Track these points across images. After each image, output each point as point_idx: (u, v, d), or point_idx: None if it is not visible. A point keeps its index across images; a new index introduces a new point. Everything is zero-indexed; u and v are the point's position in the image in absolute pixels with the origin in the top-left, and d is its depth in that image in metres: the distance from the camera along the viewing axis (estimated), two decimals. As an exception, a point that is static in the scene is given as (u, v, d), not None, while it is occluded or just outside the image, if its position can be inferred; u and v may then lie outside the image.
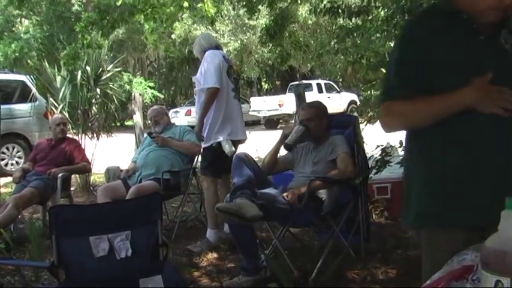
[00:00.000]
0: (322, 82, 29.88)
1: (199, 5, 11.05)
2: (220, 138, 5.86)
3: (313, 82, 29.70)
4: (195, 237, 6.28)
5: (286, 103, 27.05)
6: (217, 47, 6.24)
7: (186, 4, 9.93)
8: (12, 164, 13.13)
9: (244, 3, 10.06)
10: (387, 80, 2.43)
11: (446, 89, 2.16)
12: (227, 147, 5.80)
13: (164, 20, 9.84)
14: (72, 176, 7.72)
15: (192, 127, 7.15)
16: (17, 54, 24.87)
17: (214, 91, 5.81)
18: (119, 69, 11.22)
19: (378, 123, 6.21)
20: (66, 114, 9.29)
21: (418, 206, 2.44)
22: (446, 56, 2.22)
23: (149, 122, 7.16)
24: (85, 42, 8.95)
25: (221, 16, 13.54)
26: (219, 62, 5.90)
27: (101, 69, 9.98)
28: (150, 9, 9.11)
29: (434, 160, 2.34)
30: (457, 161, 2.25)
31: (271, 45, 10.48)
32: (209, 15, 10.48)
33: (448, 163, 2.28)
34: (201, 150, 6.20)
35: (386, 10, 6.79)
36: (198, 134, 6.09)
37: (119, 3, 9.00)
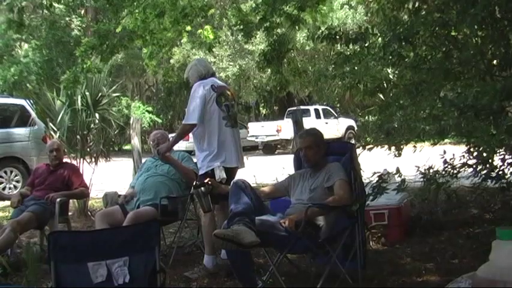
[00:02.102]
0: (319, 107, 29.97)
1: (199, 31, 11.12)
2: (214, 165, 5.90)
3: (311, 108, 29.81)
4: (192, 263, 6.28)
5: (284, 128, 27.14)
6: (213, 74, 6.31)
7: (188, 28, 10.00)
8: (10, 188, 13.14)
9: (241, 27, 10.11)
10: None
11: None
12: (217, 174, 5.83)
13: (163, 45, 9.89)
14: (70, 200, 7.72)
15: (190, 152, 7.18)
16: (16, 78, 24.93)
17: (190, 128, 6.00)
18: (117, 94, 11.25)
19: (374, 150, 6.27)
20: (65, 139, 9.33)
21: None
22: None
23: (150, 143, 7.16)
24: (85, 66, 9.00)
25: (219, 42, 13.59)
26: (206, 94, 5.97)
27: (100, 93, 10.02)
28: (149, 35, 9.17)
29: None
30: None
31: (270, 72, 10.51)
32: (208, 41, 10.55)
33: None
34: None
35: (383, 37, 6.84)
36: (165, 150, 6.34)
37: (118, 30, 9.06)
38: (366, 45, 6.90)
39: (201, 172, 6.02)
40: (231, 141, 6.10)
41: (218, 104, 6.03)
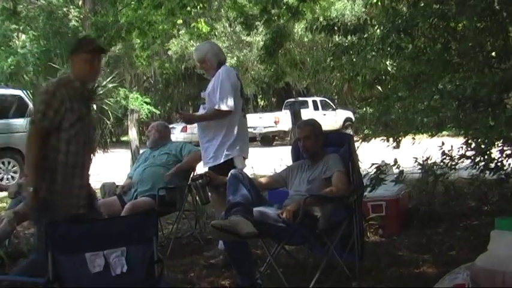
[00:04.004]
0: (318, 99, 29.91)
1: (192, 25, 11.12)
2: (234, 155, 5.80)
3: (309, 99, 29.76)
4: (190, 254, 6.29)
5: (282, 120, 27.09)
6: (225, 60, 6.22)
7: (180, 21, 9.98)
8: (7, 179, 13.14)
9: (241, 20, 10.11)
10: None
11: None
12: (238, 163, 5.72)
13: (157, 37, 9.87)
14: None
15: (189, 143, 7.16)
16: (12, 68, 24.86)
17: (226, 114, 5.74)
18: (115, 84, 11.26)
19: (373, 141, 6.26)
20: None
21: None
22: None
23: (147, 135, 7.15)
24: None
25: (215, 35, 13.56)
26: (235, 82, 5.84)
27: (96, 84, 10.00)
28: (147, 27, 9.15)
29: None
30: None
31: (266, 63, 10.52)
32: (204, 31, 10.55)
33: None
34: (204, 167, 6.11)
35: (382, 29, 6.84)
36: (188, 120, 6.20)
37: (123, 20, 9.03)
38: (365, 36, 6.90)
39: (215, 162, 5.81)
40: (246, 132, 6.07)
41: (242, 94, 5.98)
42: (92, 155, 4.67)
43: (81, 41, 4.59)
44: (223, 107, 5.70)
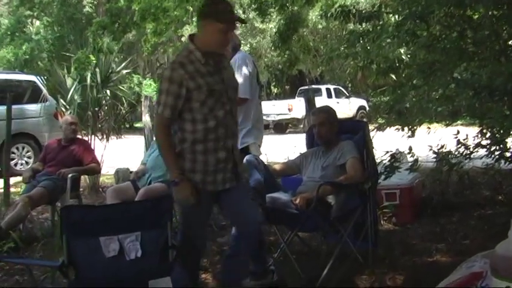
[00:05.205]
0: (331, 87, 29.81)
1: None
2: (249, 142, 5.77)
3: (323, 87, 29.66)
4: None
5: (295, 107, 27.02)
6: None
7: (190, 8, 9.96)
8: (21, 164, 13.17)
9: (255, 6, 10.08)
10: None
11: None
12: (254, 151, 5.70)
13: (169, 23, 9.84)
14: (81, 177, 7.72)
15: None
16: (27, 56, 24.94)
17: (243, 102, 5.63)
18: (128, 70, 11.24)
19: (387, 129, 6.22)
20: (76, 115, 9.34)
21: None
22: None
23: None
24: (96, 47, 8.98)
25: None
26: (252, 69, 5.79)
27: (110, 70, 10.01)
28: (161, 13, 9.12)
29: None
30: None
31: (280, 49, 10.50)
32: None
33: None
34: None
35: (397, 16, 6.80)
36: None
37: (135, 7, 9.00)
38: (380, 23, 6.86)
39: None
40: (261, 119, 6.05)
41: (258, 81, 5.94)
42: (236, 119, 4.05)
43: (217, 6, 3.82)
44: (241, 95, 5.58)
